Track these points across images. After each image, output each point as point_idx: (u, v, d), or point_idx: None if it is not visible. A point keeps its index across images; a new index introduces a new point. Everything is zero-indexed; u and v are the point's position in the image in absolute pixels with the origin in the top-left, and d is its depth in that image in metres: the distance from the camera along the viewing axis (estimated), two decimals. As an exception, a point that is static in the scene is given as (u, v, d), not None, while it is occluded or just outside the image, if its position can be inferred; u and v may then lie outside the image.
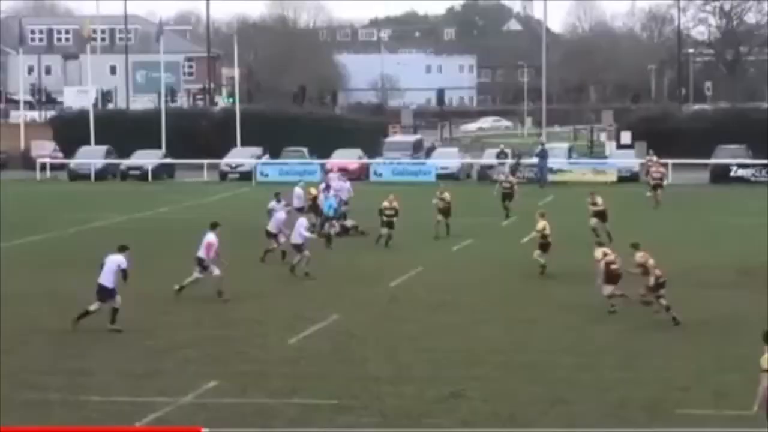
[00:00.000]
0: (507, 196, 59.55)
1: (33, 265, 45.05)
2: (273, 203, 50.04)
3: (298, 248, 41.16)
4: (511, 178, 62.92)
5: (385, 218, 49.02)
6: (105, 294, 31.70)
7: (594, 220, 49.58)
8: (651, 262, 32.99)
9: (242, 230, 50.25)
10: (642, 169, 77.21)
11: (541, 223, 42.42)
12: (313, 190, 55.80)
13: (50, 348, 30.51)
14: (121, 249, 32.97)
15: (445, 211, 52.89)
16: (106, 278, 31.71)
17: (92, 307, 31.75)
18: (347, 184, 57.66)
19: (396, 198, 50.16)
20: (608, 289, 34.23)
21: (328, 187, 55.21)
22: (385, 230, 48.81)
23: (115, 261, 32.08)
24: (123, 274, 31.93)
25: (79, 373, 27.89)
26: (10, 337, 31.61)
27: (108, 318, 31.72)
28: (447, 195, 53.40)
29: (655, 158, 78.64)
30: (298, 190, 55.25)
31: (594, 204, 50.34)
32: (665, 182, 65.57)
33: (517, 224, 56.76)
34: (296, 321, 32.84)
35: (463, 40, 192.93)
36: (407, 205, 55.11)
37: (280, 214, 45.98)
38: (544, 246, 42.29)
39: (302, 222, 42.27)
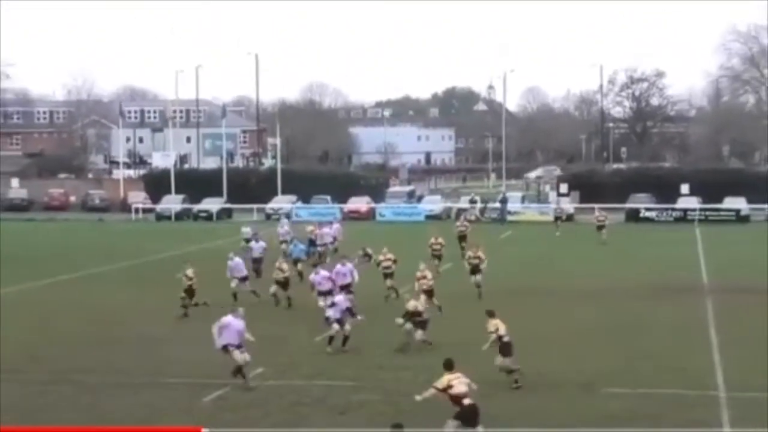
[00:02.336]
0: (462, 237, 54.60)
1: (131, 282, 44.96)
2: (252, 242, 47.14)
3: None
4: (465, 224, 58.14)
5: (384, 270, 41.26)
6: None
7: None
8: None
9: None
10: (554, 213, 76.32)
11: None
12: (310, 227, 54.21)
13: (139, 345, 30.29)
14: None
15: (440, 256, 47.04)
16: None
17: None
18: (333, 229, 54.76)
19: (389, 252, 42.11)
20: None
21: (330, 224, 54.81)
22: (388, 282, 40.70)
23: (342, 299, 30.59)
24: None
25: (163, 361, 27.74)
26: (110, 338, 31.56)
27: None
28: (442, 240, 48.63)
29: (563, 205, 79.13)
30: (280, 229, 54.26)
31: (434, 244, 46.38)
32: (606, 223, 64.61)
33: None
34: (320, 324, 32.48)
35: (444, 117, 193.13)
36: (405, 240, 55.00)
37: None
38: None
39: (341, 299, 30.33)
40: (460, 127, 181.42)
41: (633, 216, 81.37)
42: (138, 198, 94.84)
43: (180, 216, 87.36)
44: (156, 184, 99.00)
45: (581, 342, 30.31)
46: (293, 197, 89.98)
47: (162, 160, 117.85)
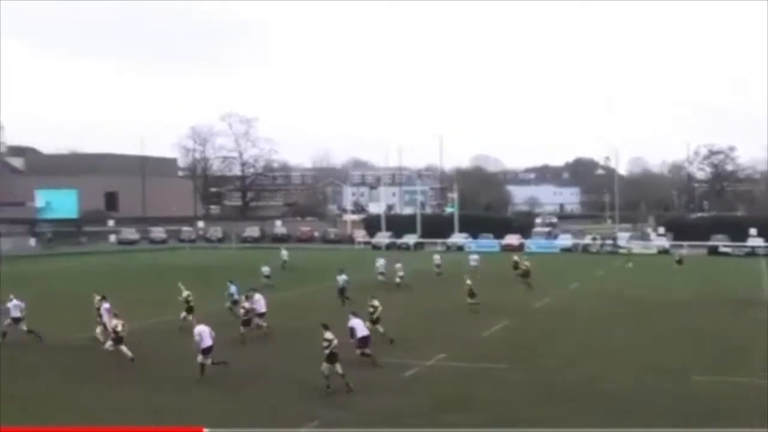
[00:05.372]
0: (524, 274, 45.82)
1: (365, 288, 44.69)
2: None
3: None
4: (526, 263, 47.63)
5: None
6: None
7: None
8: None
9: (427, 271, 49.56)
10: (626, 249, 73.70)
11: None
12: (436, 257, 52.60)
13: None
14: None
15: (525, 274, 45.28)
16: None
17: None
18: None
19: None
20: None
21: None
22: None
23: None
24: None
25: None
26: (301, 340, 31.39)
27: None
28: (527, 263, 47.15)
29: (630, 244, 75.97)
30: (377, 263, 47.93)
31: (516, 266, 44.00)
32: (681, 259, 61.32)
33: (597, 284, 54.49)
34: (482, 323, 31.96)
35: (573, 179, 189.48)
36: (546, 264, 53.32)
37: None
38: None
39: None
40: (585, 186, 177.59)
41: (713, 251, 77.83)
42: (360, 234, 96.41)
43: (388, 246, 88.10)
44: (372, 224, 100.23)
45: (676, 339, 28.96)
46: (466, 234, 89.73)
47: (376, 208, 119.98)
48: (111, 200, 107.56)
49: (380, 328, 27.47)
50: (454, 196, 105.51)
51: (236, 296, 32.06)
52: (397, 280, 45.32)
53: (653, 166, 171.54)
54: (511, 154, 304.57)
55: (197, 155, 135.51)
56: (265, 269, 46.87)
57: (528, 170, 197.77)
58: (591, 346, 28.18)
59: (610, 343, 28.60)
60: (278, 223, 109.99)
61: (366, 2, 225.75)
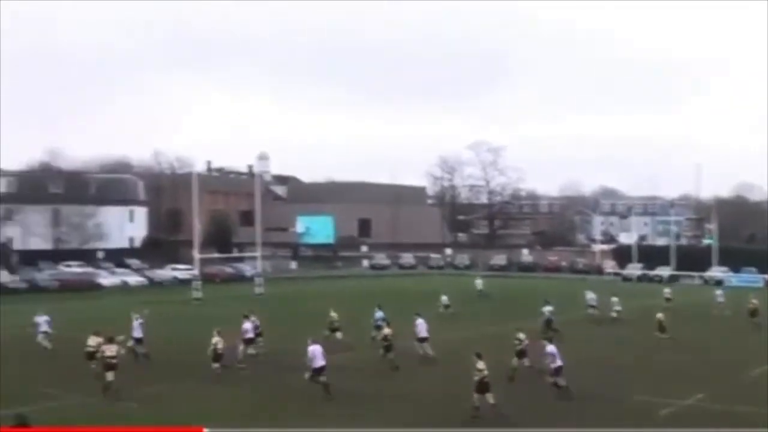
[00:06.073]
0: (752, 312, 42.81)
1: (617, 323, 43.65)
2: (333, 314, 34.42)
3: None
4: (754, 301, 44.03)
5: None
6: None
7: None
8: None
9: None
10: None
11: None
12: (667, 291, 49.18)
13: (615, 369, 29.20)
14: None
15: (753, 312, 42.47)
16: None
17: None
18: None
19: None
20: None
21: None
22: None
23: None
24: None
25: (629, 382, 26.49)
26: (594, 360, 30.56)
27: None
28: (755, 301, 43.71)
29: None
30: (589, 297, 45.89)
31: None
32: None
33: None
34: (745, 363, 29.60)
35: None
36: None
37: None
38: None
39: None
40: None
41: None
42: (609, 265, 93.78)
43: (640, 278, 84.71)
44: (622, 255, 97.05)
45: None
46: (725, 268, 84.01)
47: (627, 238, 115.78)
48: (364, 227, 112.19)
49: (526, 362, 26.37)
50: (712, 226, 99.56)
51: (380, 322, 32.43)
52: (613, 314, 44.25)
53: None
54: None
55: (445, 184, 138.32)
56: (444, 298, 46.53)
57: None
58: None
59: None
60: (525, 251, 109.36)
61: (597, 20, 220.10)
